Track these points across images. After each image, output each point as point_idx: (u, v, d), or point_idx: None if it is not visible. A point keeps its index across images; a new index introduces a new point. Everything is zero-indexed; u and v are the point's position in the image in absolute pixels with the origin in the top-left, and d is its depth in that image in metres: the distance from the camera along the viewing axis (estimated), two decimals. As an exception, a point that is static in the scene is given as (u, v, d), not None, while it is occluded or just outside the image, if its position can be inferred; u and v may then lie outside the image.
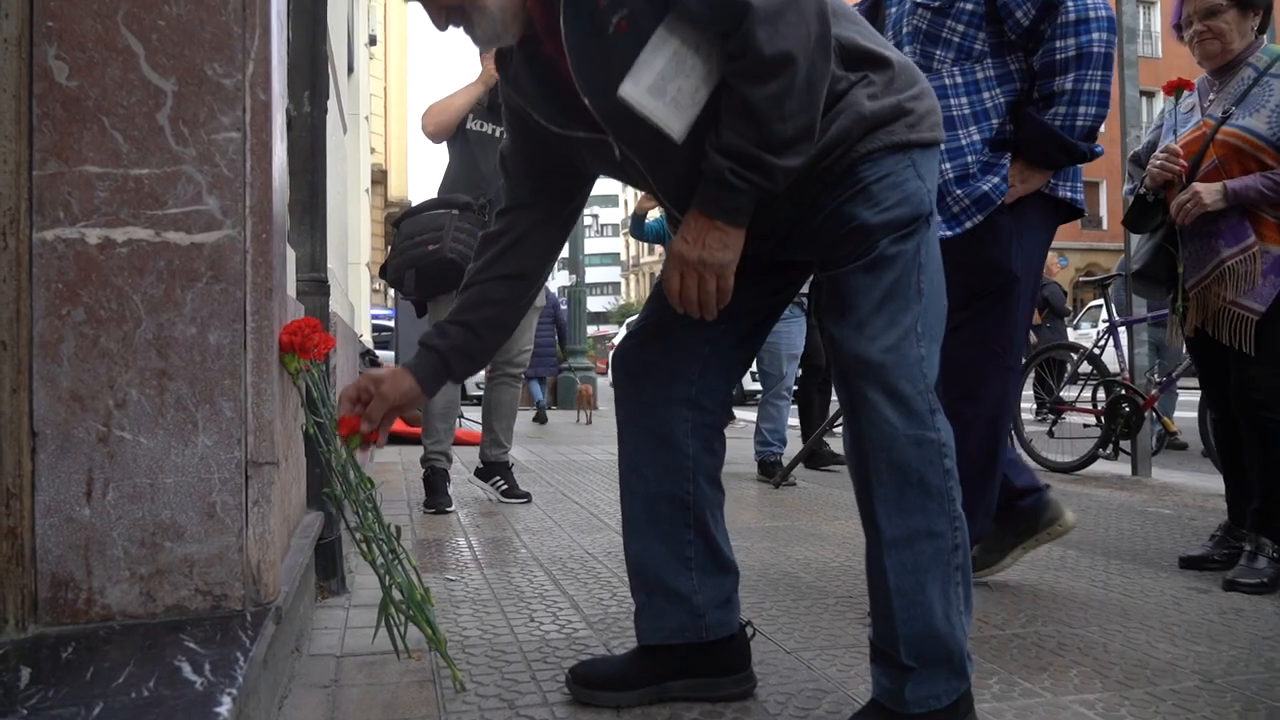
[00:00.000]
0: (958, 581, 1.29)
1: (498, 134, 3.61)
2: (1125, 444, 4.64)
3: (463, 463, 4.74)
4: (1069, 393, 5.23)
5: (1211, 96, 2.47)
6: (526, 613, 2.07)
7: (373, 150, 9.96)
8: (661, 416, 1.51)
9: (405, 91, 20.27)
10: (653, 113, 1.24)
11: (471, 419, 6.30)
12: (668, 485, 1.51)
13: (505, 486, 3.74)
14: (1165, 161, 2.43)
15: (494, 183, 3.52)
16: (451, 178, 3.67)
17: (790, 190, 1.30)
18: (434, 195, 3.72)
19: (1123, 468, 4.75)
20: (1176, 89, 2.56)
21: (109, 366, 1.24)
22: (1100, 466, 4.82)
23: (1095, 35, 1.96)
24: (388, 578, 1.52)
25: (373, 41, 11.53)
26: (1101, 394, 4.88)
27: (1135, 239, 3.27)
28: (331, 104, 3.28)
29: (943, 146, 1.84)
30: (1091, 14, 1.96)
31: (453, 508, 3.51)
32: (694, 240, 1.28)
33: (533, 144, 1.48)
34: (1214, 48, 2.41)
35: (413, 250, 3.38)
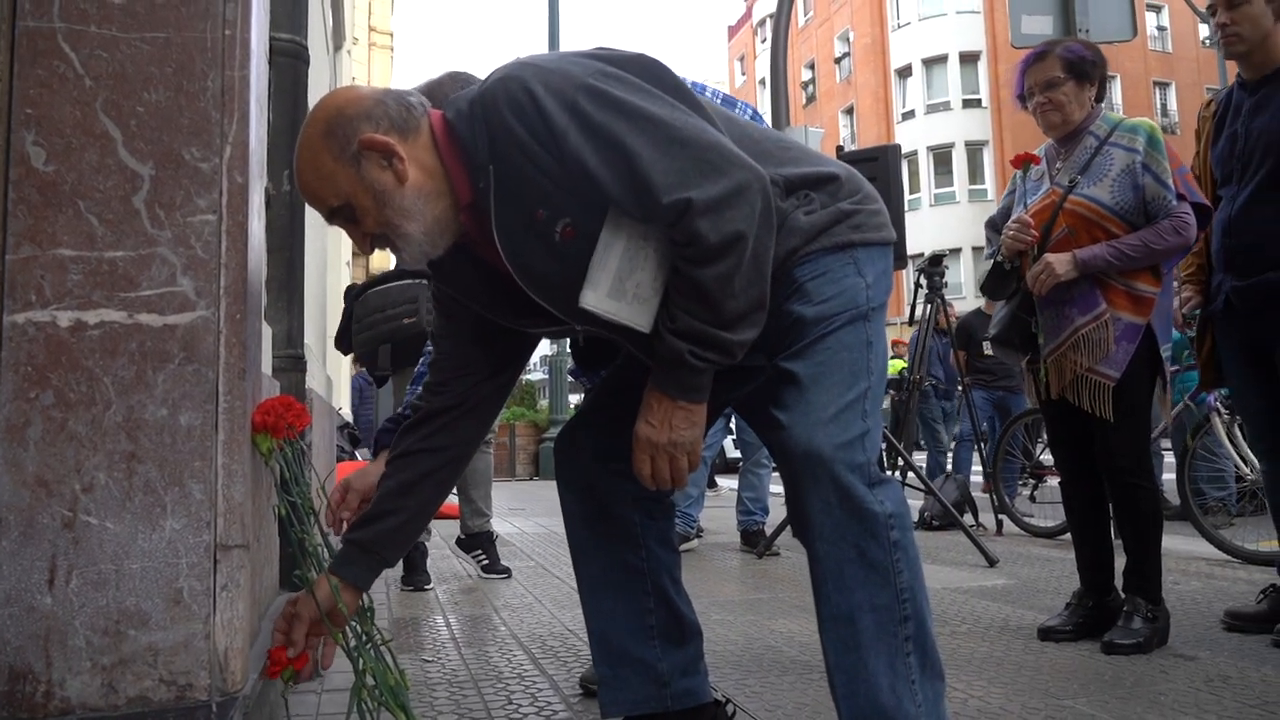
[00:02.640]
0: (907, 652, 1.26)
1: None
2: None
3: (441, 536, 4.67)
4: (1050, 456, 5.25)
5: (1059, 164, 2.54)
6: (505, 694, 2.01)
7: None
8: (594, 486, 1.51)
9: (387, 166, 20.48)
10: (617, 314, 1.26)
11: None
12: (618, 552, 1.50)
13: (486, 561, 3.68)
14: (1017, 232, 2.49)
15: None
16: None
17: None
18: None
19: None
20: (1024, 162, 2.64)
21: (77, 450, 1.23)
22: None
23: None
24: (360, 661, 1.48)
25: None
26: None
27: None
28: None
29: None
30: None
31: (431, 585, 3.45)
32: (660, 423, 1.26)
33: (476, 322, 1.47)
34: (1055, 118, 2.49)
35: (386, 324, 3.34)
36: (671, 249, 1.23)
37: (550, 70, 1.24)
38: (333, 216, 1.31)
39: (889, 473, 4.79)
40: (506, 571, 3.67)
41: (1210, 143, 2.57)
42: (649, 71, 1.28)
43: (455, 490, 3.67)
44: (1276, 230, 2.36)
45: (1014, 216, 2.55)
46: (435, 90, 1.44)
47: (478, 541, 3.70)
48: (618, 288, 1.25)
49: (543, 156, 1.21)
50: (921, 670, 1.26)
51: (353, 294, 3.59)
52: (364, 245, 1.32)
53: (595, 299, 1.25)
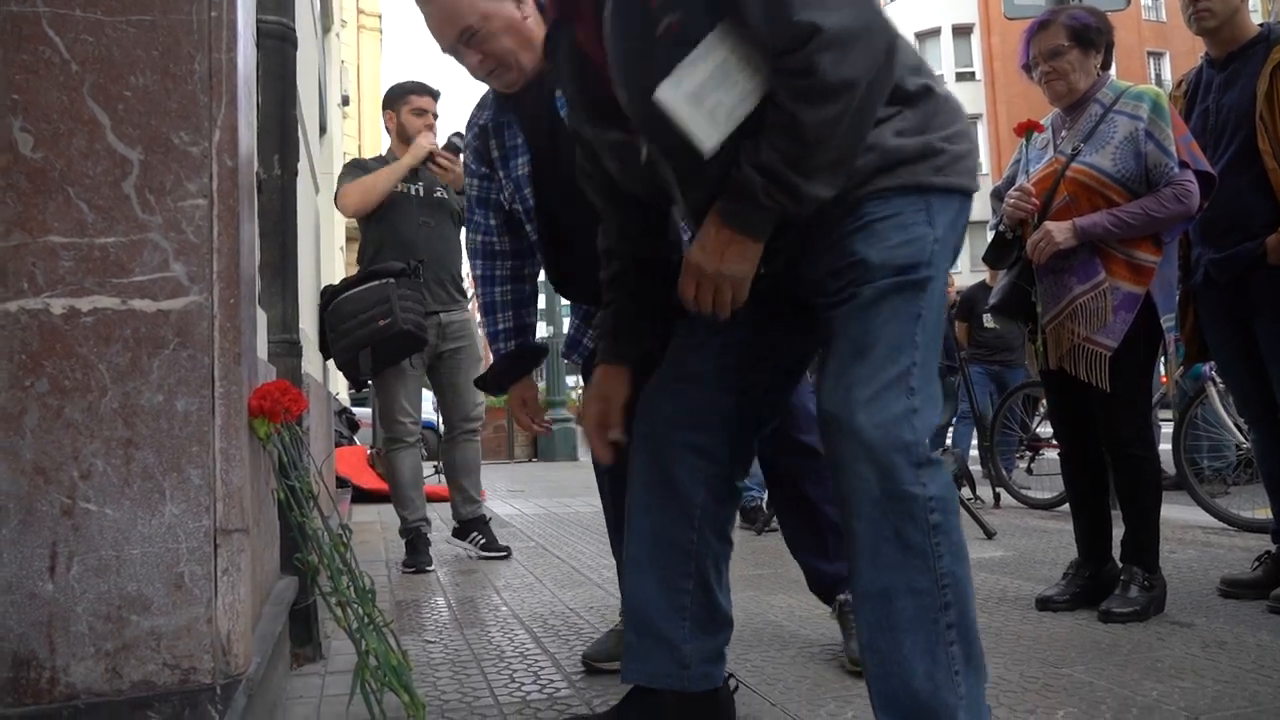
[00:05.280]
0: (950, 641, 1.20)
1: (414, 191, 3.57)
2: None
3: (441, 519, 4.68)
4: (1046, 429, 5.27)
5: (1064, 133, 2.53)
6: (507, 673, 2.03)
7: (347, 208, 9.98)
8: (668, 458, 1.46)
9: (379, 148, 20.45)
10: (687, 120, 1.19)
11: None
12: (672, 529, 1.46)
13: (484, 541, 3.71)
14: (1018, 200, 2.48)
15: (419, 244, 3.49)
16: (375, 245, 3.58)
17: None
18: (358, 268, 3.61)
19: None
20: (1027, 130, 2.62)
21: (73, 437, 1.23)
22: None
23: None
24: (363, 642, 1.49)
25: (345, 101, 11.65)
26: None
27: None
28: (303, 165, 3.30)
29: None
30: None
31: (433, 566, 3.47)
32: (713, 251, 1.24)
33: (609, 184, 1.50)
34: (1061, 88, 2.47)
35: (361, 329, 3.27)
36: (778, 80, 1.16)
37: None
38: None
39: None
40: (506, 550, 3.69)
41: (1183, 120, 2.58)
42: None
43: (445, 478, 3.73)
44: (1250, 201, 2.38)
45: (1016, 184, 2.54)
46: None
47: (472, 526, 3.73)
48: (698, 95, 1.19)
49: None
50: (966, 663, 1.21)
51: (323, 300, 3.52)
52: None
53: (672, 95, 1.18)
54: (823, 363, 1.30)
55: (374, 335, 3.27)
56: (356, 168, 3.63)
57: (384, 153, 3.80)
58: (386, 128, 3.77)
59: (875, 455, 1.20)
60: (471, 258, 2.21)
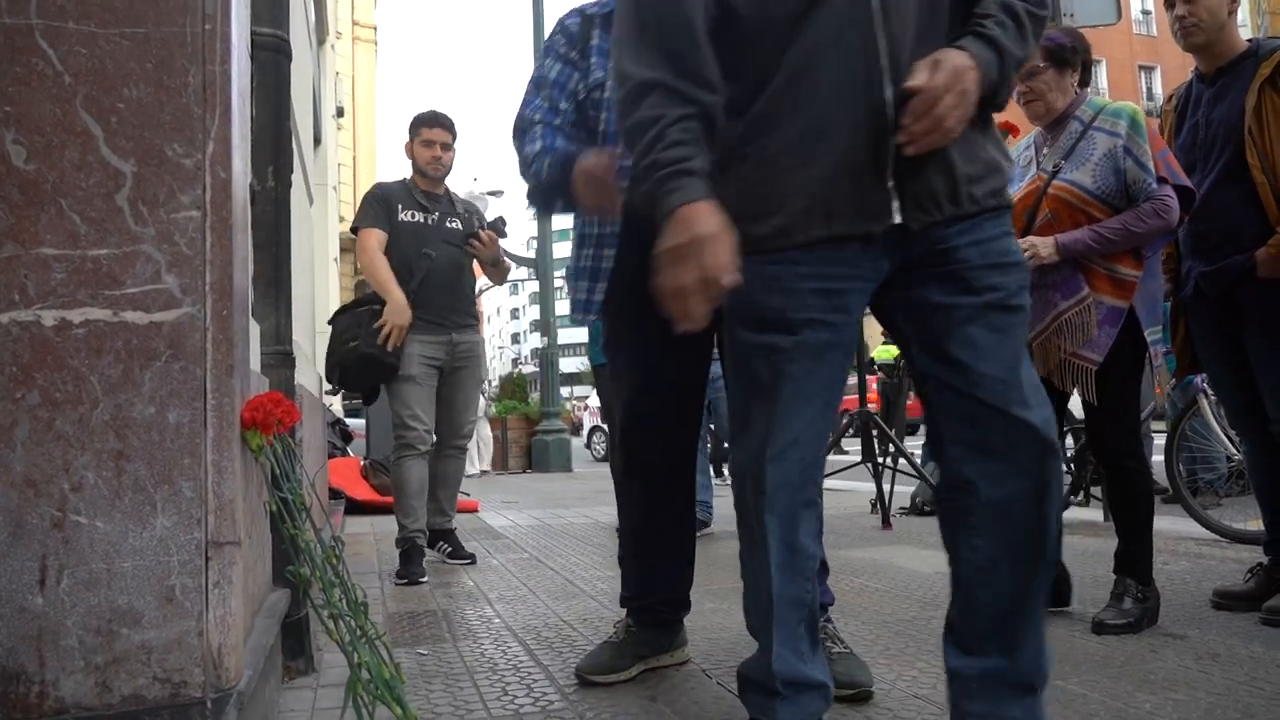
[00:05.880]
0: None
1: (429, 220, 3.70)
2: (1096, 490, 4.65)
3: (435, 531, 4.67)
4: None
5: (1045, 150, 2.56)
6: (500, 686, 2.02)
7: (341, 219, 9.98)
8: (794, 525, 1.43)
9: (374, 160, 20.49)
10: None
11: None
12: (793, 589, 1.44)
13: (450, 549, 3.85)
14: None
15: (432, 270, 3.60)
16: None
17: (964, 178, 1.36)
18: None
19: (1094, 514, 4.77)
20: (1002, 131, 2.65)
21: (64, 449, 1.22)
22: (1072, 513, 4.84)
23: None
24: (355, 655, 1.48)
25: (340, 113, 11.66)
26: (1070, 441, 4.92)
27: None
28: (297, 177, 3.30)
29: None
30: None
31: (426, 578, 3.46)
32: (969, 71, 1.28)
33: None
34: (1039, 108, 2.51)
35: (341, 349, 3.47)
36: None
37: None
38: None
39: (882, 459, 4.81)
40: (471, 558, 3.81)
41: (1174, 134, 2.61)
42: None
43: (438, 489, 3.85)
44: (1240, 214, 2.41)
45: None
46: None
47: (439, 536, 3.86)
48: None
49: None
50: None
51: (330, 321, 3.68)
52: None
53: None
54: (975, 354, 1.34)
55: (345, 356, 3.45)
56: (379, 201, 3.70)
57: (405, 178, 3.87)
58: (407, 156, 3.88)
59: (1054, 446, 1.35)
60: (528, 127, 2.06)
